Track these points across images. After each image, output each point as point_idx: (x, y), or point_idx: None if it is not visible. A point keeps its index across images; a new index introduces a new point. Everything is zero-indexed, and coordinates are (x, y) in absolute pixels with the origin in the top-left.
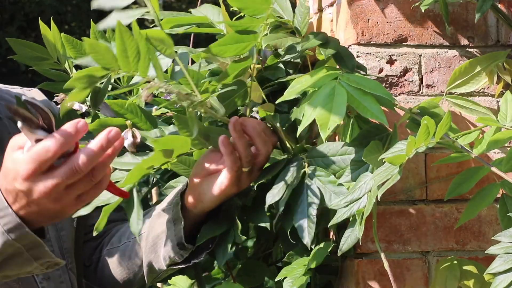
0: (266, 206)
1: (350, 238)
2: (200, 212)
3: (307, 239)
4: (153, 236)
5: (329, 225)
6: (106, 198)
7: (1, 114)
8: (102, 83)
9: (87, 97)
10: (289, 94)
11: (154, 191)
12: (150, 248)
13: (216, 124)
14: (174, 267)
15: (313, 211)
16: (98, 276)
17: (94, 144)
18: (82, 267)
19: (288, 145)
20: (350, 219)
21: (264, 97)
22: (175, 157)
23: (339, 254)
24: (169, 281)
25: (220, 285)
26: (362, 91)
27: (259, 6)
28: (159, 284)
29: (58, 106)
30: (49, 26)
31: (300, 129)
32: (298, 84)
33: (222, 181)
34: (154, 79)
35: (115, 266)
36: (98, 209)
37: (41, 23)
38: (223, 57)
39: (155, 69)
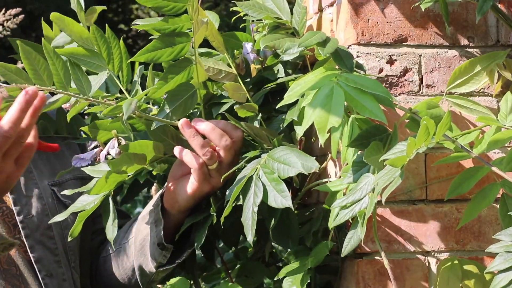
0: (225, 201)
1: (353, 239)
2: (178, 213)
3: (249, 236)
4: (140, 240)
5: (330, 226)
6: (81, 204)
7: None
8: None
9: None
10: (289, 97)
11: (154, 190)
12: (139, 252)
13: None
14: (163, 269)
15: (255, 207)
16: (98, 283)
17: (14, 108)
18: (87, 267)
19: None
20: (351, 221)
21: (249, 97)
22: (148, 162)
23: (342, 255)
24: (167, 283)
25: (219, 285)
26: (360, 90)
27: (174, 4)
28: (159, 285)
29: None
30: (51, 25)
31: (301, 131)
32: (297, 87)
33: (192, 181)
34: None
35: (110, 273)
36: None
37: (43, 23)
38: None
39: (75, 84)
